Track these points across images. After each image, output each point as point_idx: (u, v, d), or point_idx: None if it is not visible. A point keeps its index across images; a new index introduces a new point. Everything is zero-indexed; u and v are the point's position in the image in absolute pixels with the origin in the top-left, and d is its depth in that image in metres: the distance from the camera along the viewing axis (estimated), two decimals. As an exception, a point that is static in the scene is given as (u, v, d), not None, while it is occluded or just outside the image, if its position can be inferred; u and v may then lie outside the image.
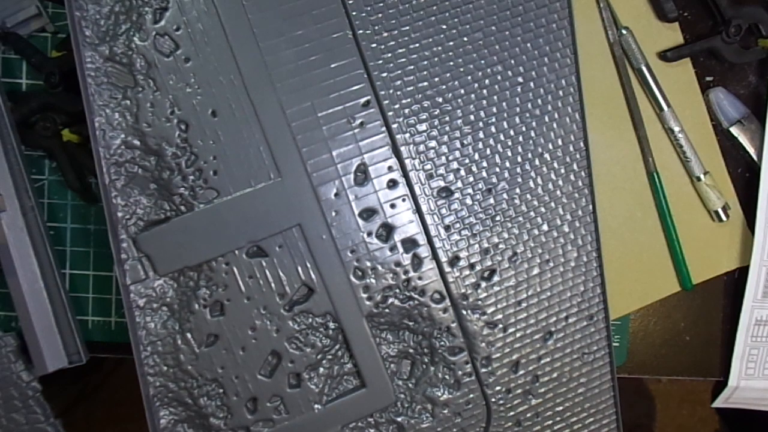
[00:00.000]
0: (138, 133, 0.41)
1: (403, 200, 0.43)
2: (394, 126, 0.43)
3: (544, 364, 0.45)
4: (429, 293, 0.43)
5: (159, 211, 0.42)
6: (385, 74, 0.43)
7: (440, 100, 0.43)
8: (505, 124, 0.44)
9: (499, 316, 0.44)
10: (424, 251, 0.43)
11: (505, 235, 0.44)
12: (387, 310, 0.43)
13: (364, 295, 0.43)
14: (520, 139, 0.44)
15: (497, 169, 0.44)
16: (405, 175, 0.43)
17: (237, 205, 0.41)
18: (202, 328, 0.42)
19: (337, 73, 0.42)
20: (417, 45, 0.43)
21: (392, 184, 0.43)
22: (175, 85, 0.41)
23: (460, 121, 0.44)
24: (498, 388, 0.45)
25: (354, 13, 0.42)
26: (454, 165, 0.44)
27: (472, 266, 0.44)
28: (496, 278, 0.44)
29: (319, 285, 0.42)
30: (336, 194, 0.42)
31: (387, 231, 0.43)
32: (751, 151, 0.52)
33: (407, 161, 0.43)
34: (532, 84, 0.44)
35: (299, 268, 0.42)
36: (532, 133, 0.44)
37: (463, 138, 0.44)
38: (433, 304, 0.44)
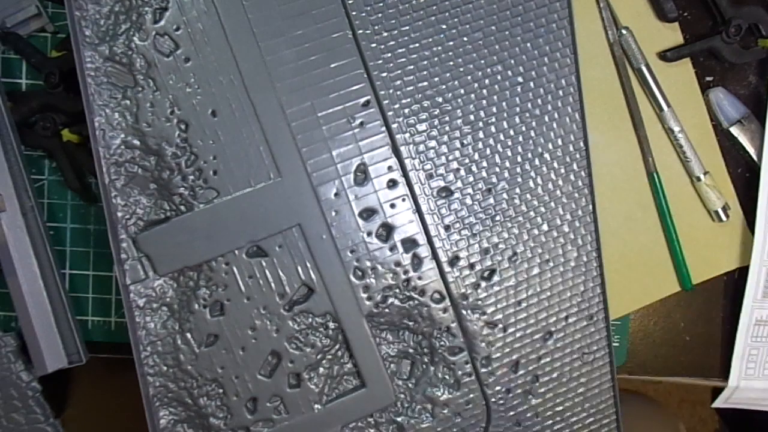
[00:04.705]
0: (138, 133, 0.41)
1: (403, 200, 0.43)
2: (394, 126, 0.43)
3: (544, 364, 0.45)
4: (429, 293, 0.43)
5: (159, 211, 0.42)
6: (385, 74, 0.43)
7: (440, 100, 0.43)
8: (505, 124, 0.44)
9: (499, 316, 0.44)
10: (424, 251, 0.43)
11: (505, 235, 0.44)
12: (387, 310, 0.43)
13: (364, 295, 0.43)
14: (520, 139, 0.44)
15: (497, 169, 0.44)
16: (405, 175, 0.43)
17: (237, 205, 0.41)
18: (202, 328, 0.42)
19: (337, 73, 0.42)
20: (417, 45, 0.43)
21: (392, 184, 0.43)
22: (175, 84, 0.41)
23: (460, 121, 0.44)
24: (498, 388, 0.45)
25: (354, 13, 0.42)
26: (454, 165, 0.44)
27: (472, 266, 0.44)
28: (496, 278, 0.44)
29: (319, 285, 0.42)
30: (336, 194, 0.42)
31: (387, 231, 0.43)
32: (751, 151, 0.52)
33: (407, 161, 0.43)
34: (532, 84, 0.44)
35: (299, 268, 0.42)
36: (532, 133, 0.44)
37: (463, 138, 0.44)
38: (433, 304, 0.44)
